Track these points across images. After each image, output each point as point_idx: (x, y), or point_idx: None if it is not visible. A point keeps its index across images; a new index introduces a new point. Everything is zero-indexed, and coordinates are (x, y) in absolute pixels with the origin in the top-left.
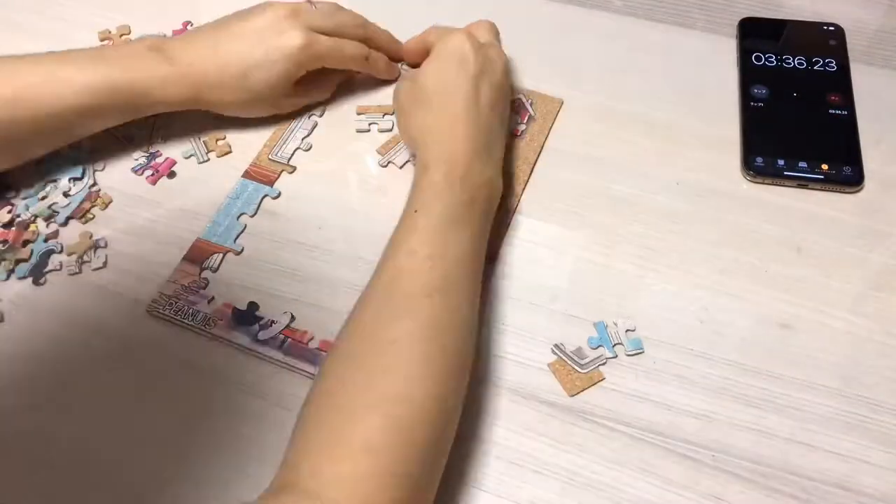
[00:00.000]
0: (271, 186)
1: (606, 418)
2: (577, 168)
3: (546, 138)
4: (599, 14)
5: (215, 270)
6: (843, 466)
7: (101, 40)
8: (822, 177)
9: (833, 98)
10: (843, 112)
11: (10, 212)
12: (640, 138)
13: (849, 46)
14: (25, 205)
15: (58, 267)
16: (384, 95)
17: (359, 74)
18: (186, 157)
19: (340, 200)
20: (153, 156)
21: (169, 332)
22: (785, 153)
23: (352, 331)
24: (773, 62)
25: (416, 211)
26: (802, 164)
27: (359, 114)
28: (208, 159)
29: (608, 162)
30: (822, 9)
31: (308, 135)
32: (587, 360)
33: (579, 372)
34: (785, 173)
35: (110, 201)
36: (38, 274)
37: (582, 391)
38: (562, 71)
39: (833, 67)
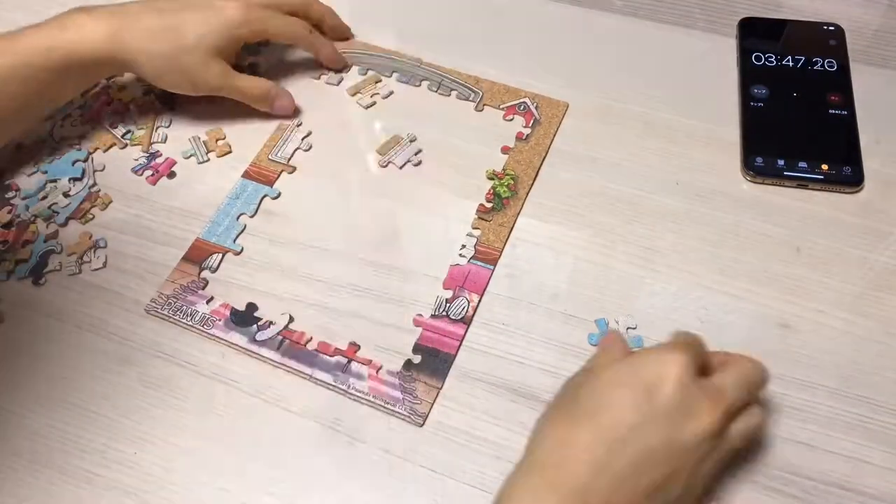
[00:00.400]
0: (271, 186)
1: None
2: (577, 168)
3: (551, 142)
4: (599, 14)
5: (214, 270)
6: (843, 466)
7: None
8: (821, 177)
9: (833, 98)
10: (843, 112)
11: (10, 212)
12: (640, 138)
13: (849, 46)
14: (25, 205)
15: (57, 267)
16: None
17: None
18: (186, 157)
19: (340, 200)
20: (153, 156)
21: (167, 332)
22: (785, 153)
23: None
24: (772, 62)
25: None
26: (802, 164)
27: (352, 95)
28: (208, 159)
29: (608, 162)
30: (822, 9)
31: (308, 135)
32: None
33: None
34: (785, 173)
35: (110, 201)
36: (37, 274)
37: None
38: (562, 71)
39: (833, 67)
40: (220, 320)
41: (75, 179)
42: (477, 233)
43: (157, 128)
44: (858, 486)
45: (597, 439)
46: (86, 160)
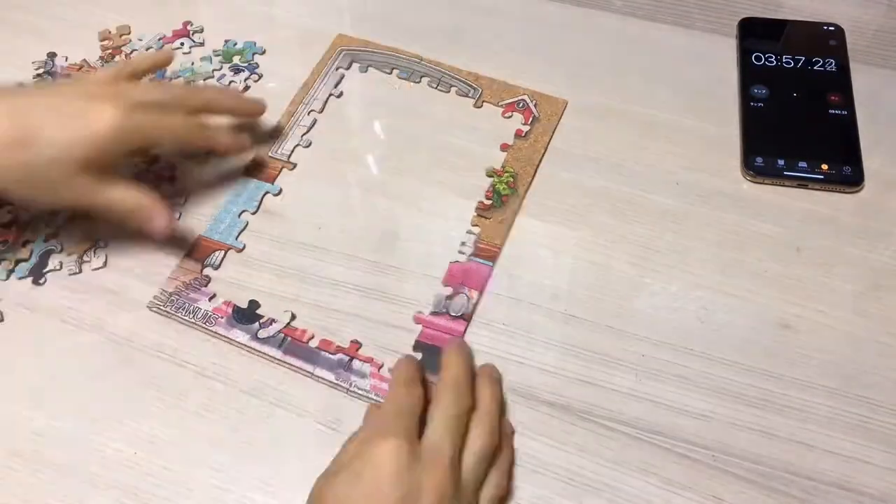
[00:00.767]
0: (272, 183)
1: (606, 418)
2: (577, 168)
3: (550, 140)
4: (599, 14)
5: (217, 268)
6: (843, 466)
7: (102, 40)
8: (822, 177)
9: (833, 98)
10: (843, 112)
11: (10, 212)
12: (640, 138)
13: (849, 46)
14: None
15: (58, 267)
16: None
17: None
18: (186, 157)
19: (341, 199)
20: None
21: (169, 330)
22: (785, 153)
23: None
24: (773, 62)
25: None
26: (802, 164)
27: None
28: (208, 159)
29: (608, 162)
30: (821, 8)
31: (307, 131)
32: None
33: None
34: (785, 173)
35: None
36: (37, 274)
37: None
38: (562, 71)
39: (833, 67)
40: (222, 318)
41: None
42: (476, 230)
43: None
44: (858, 486)
45: None
46: None
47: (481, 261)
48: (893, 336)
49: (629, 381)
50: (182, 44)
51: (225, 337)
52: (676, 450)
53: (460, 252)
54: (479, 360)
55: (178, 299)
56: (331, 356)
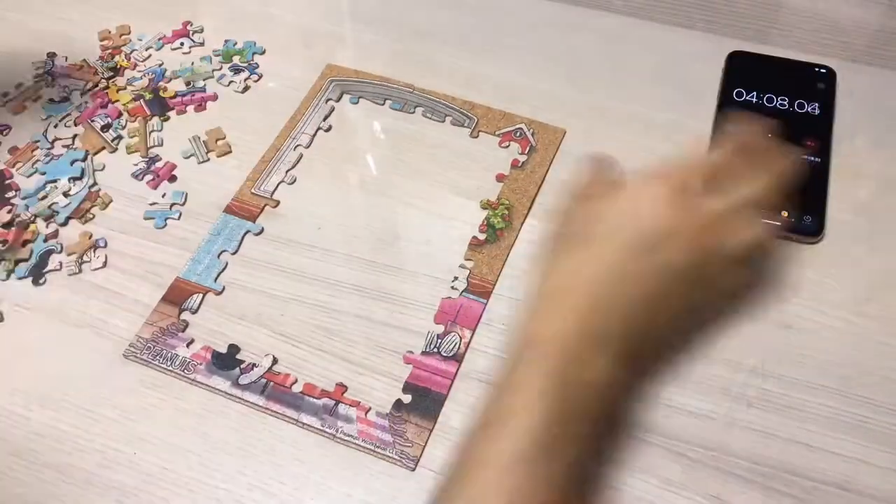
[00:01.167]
0: (253, 222)
1: None
2: (577, 168)
3: (547, 171)
4: (600, 14)
5: (195, 311)
6: (843, 466)
7: (101, 40)
8: (778, 223)
9: (809, 144)
10: (817, 160)
11: (9, 212)
12: (640, 138)
13: (848, 46)
14: (25, 204)
15: (58, 267)
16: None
17: None
18: (186, 157)
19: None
20: (152, 160)
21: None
22: None
23: None
24: (754, 100)
25: (489, 426)
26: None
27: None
28: (208, 159)
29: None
30: (822, 8)
31: (292, 167)
32: None
33: None
34: None
35: (110, 201)
36: (37, 274)
37: None
38: (562, 71)
39: (816, 111)
40: (201, 364)
41: (75, 179)
42: (470, 264)
43: (150, 132)
44: (858, 487)
45: (602, 269)
46: (84, 160)
47: (474, 297)
48: (893, 336)
49: None
50: (182, 43)
51: (205, 385)
52: (676, 450)
53: (453, 287)
54: (479, 360)
55: (154, 346)
56: (315, 401)
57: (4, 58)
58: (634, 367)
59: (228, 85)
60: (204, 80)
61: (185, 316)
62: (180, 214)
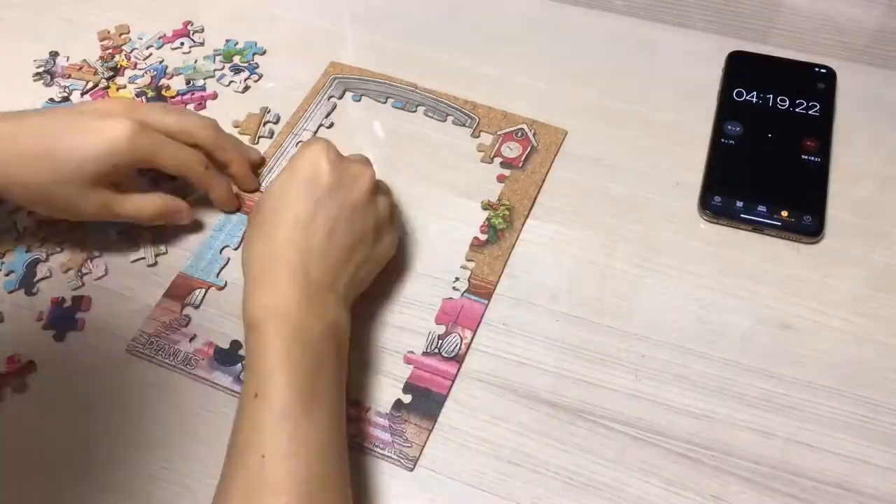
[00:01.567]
0: None
1: (606, 418)
2: (577, 168)
3: (548, 171)
4: (600, 14)
5: (197, 307)
6: (843, 466)
7: (101, 40)
8: (779, 223)
9: (809, 143)
10: (816, 159)
11: None
12: (640, 138)
13: (848, 46)
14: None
15: (47, 275)
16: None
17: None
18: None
19: None
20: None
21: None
22: (746, 195)
23: None
24: (753, 99)
25: (255, 395)
26: (761, 209)
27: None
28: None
29: (608, 162)
30: (822, 8)
31: None
32: None
33: None
34: (741, 216)
35: None
36: (28, 285)
37: None
38: (562, 71)
39: (816, 111)
40: (203, 359)
41: None
42: (471, 265)
43: None
44: (858, 486)
45: (291, 230)
46: None
47: (475, 298)
48: (893, 336)
49: (629, 381)
50: (182, 43)
51: (207, 380)
52: (676, 450)
53: (454, 288)
54: (480, 360)
55: (157, 341)
56: None
57: (4, 57)
58: (346, 301)
59: (228, 85)
60: (205, 79)
61: (188, 311)
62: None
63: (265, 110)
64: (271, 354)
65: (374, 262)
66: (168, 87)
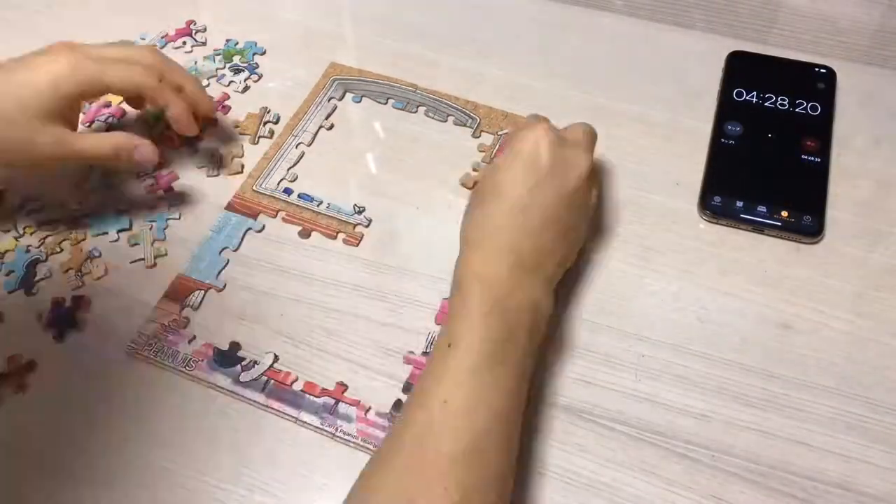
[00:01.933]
0: (255, 219)
1: (606, 418)
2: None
3: None
4: (600, 14)
5: (197, 308)
6: (843, 466)
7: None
8: (779, 224)
9: (809, 144)
10: (817, 159)
11: None
12: (639, 138)
13: (848, 46)
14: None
15: (47, 275)
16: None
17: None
18: (199, 167)
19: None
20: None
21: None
22: (746, 195)
23: (374, 487)
24: (753, 99)
25: (449, 345)
26: (761, 209)
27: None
28: (217, 174)
29: (608, 162)
30: (822, 8)
31: (294, 165)
32: None
33: None
34: (741, 216)
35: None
36: (28, 285)
37: None
38: (562, 71)
39: (816, 112)
40: (202, 361)
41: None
42: None
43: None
44: (858, 486)
45: (509, 210)
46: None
47: None
48: (893, 336)
49: (629, 381)
50: (184, 42)
51: (206, 382)
52: (676, 450)
53: None
54: None
55: (156, 343)
56: (315, 399)
57: (4, 57)
58: (549, 284)
59: (228, 85)
60: (207, 79)
61: (187, 313)
62: (180, 214)
63: (265, 110)
64: (471, 315)
65: (575, 249)
66: None
